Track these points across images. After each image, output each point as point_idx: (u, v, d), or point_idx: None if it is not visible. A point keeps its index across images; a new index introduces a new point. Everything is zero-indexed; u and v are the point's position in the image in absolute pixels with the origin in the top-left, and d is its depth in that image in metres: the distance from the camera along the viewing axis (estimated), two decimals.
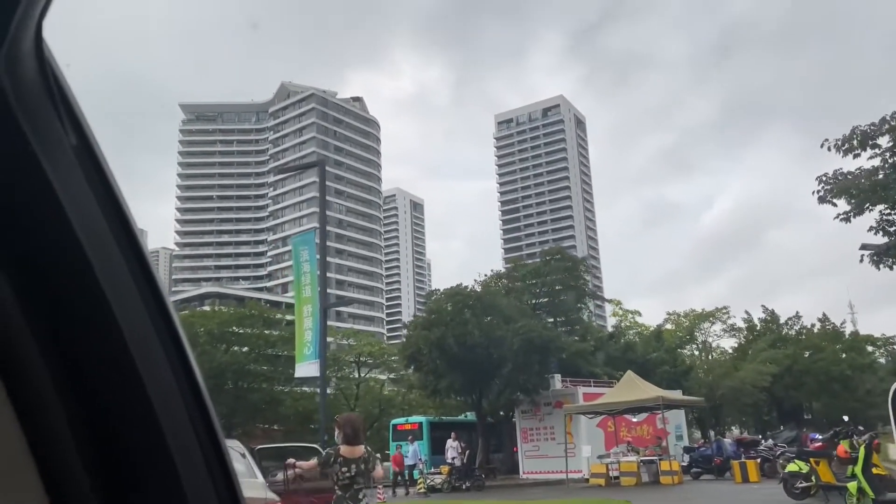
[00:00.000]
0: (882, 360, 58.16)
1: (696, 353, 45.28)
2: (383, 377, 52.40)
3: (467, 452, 26.11)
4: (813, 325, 50.99)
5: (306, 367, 19.25)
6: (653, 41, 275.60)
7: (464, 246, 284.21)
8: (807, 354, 46.55)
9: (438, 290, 30.00)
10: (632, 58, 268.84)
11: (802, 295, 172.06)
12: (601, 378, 32.54)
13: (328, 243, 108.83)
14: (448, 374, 26.70)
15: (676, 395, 27.17)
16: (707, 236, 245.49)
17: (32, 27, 0.70)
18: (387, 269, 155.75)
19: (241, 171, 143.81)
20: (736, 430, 51.56)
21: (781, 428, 29.85)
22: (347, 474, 6.21)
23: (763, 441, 26.39)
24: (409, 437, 30.18)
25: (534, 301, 33.65)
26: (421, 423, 33.98)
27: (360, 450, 6.37)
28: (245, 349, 43.11)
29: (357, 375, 50.04)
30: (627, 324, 41.68)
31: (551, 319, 31.62)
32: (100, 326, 0.75)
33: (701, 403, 26.95)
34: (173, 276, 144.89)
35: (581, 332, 32.65)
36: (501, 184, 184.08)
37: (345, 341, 53.52)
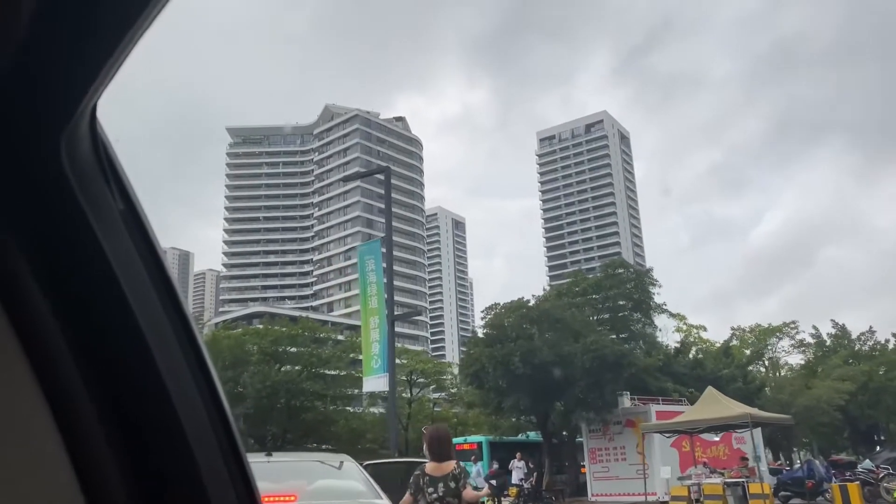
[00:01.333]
0: None
1: (764, 369, 43.25)
2: (435, 395, 51.44)
3: (535, 474, 24.93)
4: (887, 341, 48.45)
5: (374, 381, 18.41)
6: (701, 60, 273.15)
7: (506, 265, 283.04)
8: (882, 371, 44.07)
9: (498, 303, 28.93)
10: (680, 76, 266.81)
11: (859, 313, 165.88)
12: (669, 395, 31.05)
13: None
14: (513, 392, 25.59)
15: (761, 412, 25.54)
16: (757, 253, 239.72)
17: (90, 109, 0.82)
18: (430, 287, 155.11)
19: (286, 193, 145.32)
20: (804, 453, 49.14)
21: (878, 449, 27.86)
22: (434, 495, 5.32)
23: (860, 462, 24.56)
24: (472, 458, 29.13)
25: (595, 316, 32.34)
26: (480, 443, 32.86)
27: (450, 466, 5.48)
28: (297, 367, 42.55)
29: (409, 394, 49.12)
30: (692, 339, 40.05)
31: (614, 335, 30.26)
32: (140, 366, 0.88)
33: (789, 422, 25.31)
34: (220, 297, 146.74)
35: (647, 347, 31.16)
36: (544, 201, 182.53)
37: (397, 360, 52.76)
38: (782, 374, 44.50)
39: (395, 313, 18.12)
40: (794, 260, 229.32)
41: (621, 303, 33.65)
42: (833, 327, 47.69)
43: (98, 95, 0.80)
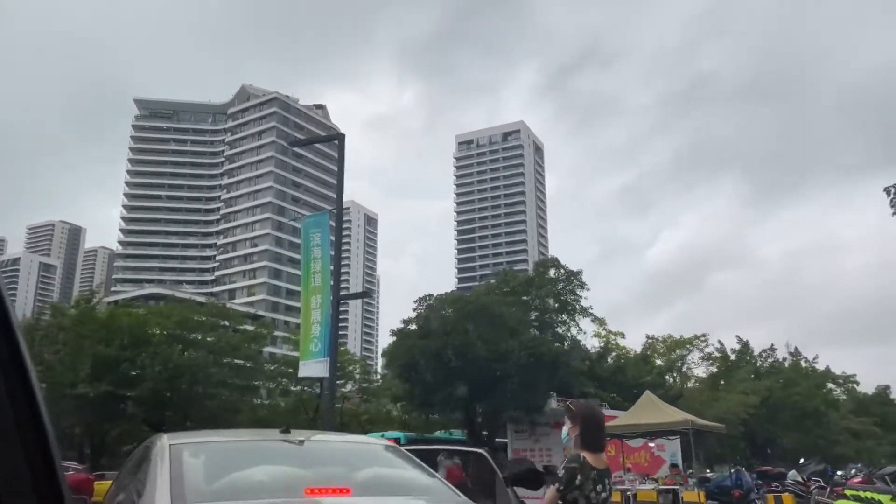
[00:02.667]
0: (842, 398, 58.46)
1: (672, 379, 44.22)
2: (345, 389, 49.78)
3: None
4: (784, 359, 50.73)
5: (312, 366, 16.86)
6: (622, 86, 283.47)
7: (415, 265, 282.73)
8: (780, 385, 45.98)
9: (432, 295, 27.84)
10: (600, 99, 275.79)
11: (741, 333, 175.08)
12: (591, 399, 30.95)
13: (281, 251, 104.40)
14: (444, 386, 24.57)
15: (699, 420, 25.52)
16: (653, 273, 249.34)
17: None
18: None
19: (193, 172, 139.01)
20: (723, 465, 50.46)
21: (802, 461, 28.55)
22: (604, 494, 4.03)
23: (788, 473, 24.95)
24: None
25: (524, 315, 31.82)
26: (398, 440, 31.66)
27: (605, 458, 4.24)
28: (204, 352, 39.93)
29: (320, 385, 47.24)
30: (610, 346, 40.32)
31: (539, 335, 29.82)
32: None
33: (723, 430, 25.49)
34: (113, 276, 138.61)
35: (573, 350, 30.92)
36: (458, 203, 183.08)
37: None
38: (690, 385, 45.65)
39: (342, 294, 16.74)
40: (685, 281, 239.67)
41: (549, 302, 33.33)
42: (738, 343, 49.52)
43: None
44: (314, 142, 19.88)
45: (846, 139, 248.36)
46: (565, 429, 4.35)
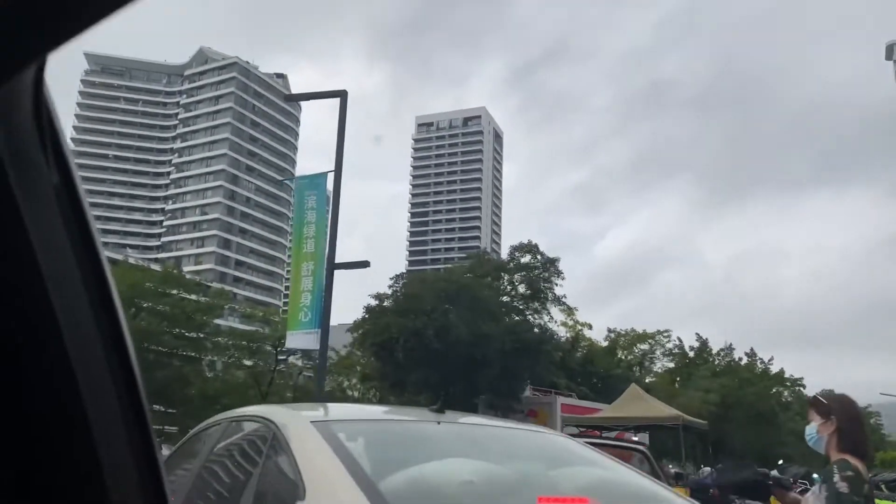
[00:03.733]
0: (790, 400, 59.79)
1: (639, 373, 44.22)
2: (300, 362, 48.27)
3: None
4: (740, 359, 51.38)
5: (301, 337, 15.66)
6: (586, 85, 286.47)
7: (365, 245, 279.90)
8: (736, 384, 46.47)
9: (405, 272, 26.72)
10: (564, 96, 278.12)
11: (682, 334, 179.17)
12: (561, 390, 30.39)
13: (233, 220, 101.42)
14: (421, 368, 23.57)
15: (686, 416, 25.05)
16: (600, 269, 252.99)
17: (33, 69, 0.72)
18: (288, 255, 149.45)
19: (143, 133, 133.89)
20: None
21: (781, 462, 28.54)
22: None
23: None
24: None
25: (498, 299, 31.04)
26: None
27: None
28: (157, 319, 38.00)
29: (276, 358, 45.63)
30: (578, 336, 39.91)
31: (519, 320, 29.08)
32: (50, 365, 0.74)
33: (705, 427, 25.18)
34: None
35: (545, 338, 30.29)
36: (414, 185, 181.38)
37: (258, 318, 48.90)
38: (648, 380, 45.71)
39: (337, 262, 15.55)
40: (631, 278, 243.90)
41: (520, 289, 32.62)
42: (696, 340, 49.88)
43: (49, 51, 0.68)
44: (314, 97, 18.57)
45: (791, 155, 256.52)
46: (813, 426, 3.41)
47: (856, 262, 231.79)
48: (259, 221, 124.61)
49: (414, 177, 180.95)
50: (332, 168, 16.22)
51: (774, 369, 50.79)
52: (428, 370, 23.51)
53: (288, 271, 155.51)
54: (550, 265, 31.75)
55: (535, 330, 25.68)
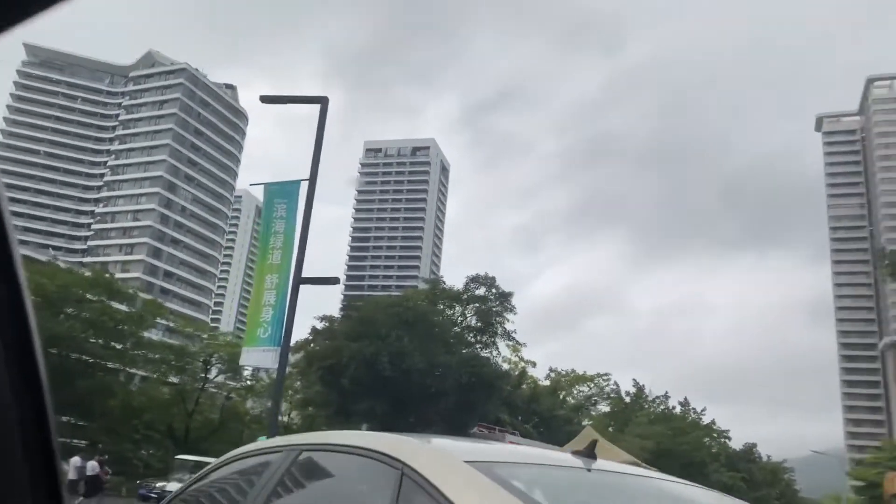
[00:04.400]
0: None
1: (578, 415, 43.94)
2: (233, 383, 46.17)
3: None
4: (674, 408, 51.78)
5: (258, 355, 14.50)
6: (534, 131, 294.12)
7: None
8: (671, 433, 46.67)
9: (362, 296, 25.70)
10: (512, 139, 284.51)
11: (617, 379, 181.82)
12: (504, 427, 29.71)
13: (166, 229, 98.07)
14: (370, 396, 22.46)
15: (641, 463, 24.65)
16: (535, 309, 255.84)
17: None
18: (220, 269, 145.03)
19: (79, 132, 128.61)
20: None
21: None
22: None
23: None
24: None
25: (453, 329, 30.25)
26: None
27: None
28: (82, 325, 35.53)
29: (204, 376, 43.41)
30: (523, 374, 39.36)
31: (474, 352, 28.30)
32: None
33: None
34: None
35: (501, 374, 29.58)
36: (357, 210, 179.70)
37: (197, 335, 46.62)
38: (586, 423, 45.51)
39: (304, 276, 14.54)
40: (561, 322, 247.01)
41: (473, 321, 31.95)
42: (633, 386, 50.07)
43: None
44: (293, 100, 17.67)
45: (722, 217, 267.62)
46: None
47: (778, 321, 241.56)
48: (193, 233, 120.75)
49: (358, 201, 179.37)
50: (288, 176, 15.30)
51: (706, 420, 51.41)
52: (377, 399, 22.42)
53: (219, 286, 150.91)
54: (504, 299, 31.21)
55: (492, 364, 24.95)
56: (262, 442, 3.18)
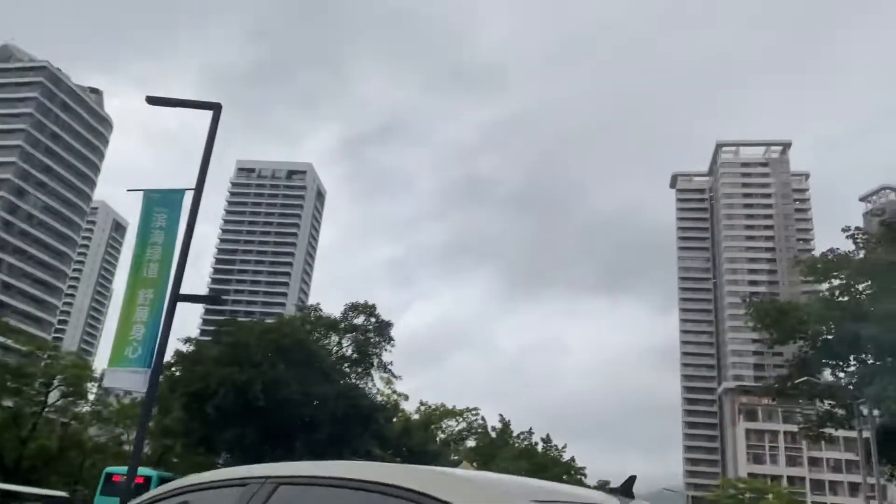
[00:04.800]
0: None
1: (450, 448, 43.70)
2: (78, 408, 42.20)
3: None
4: (536, 444, 52.80)
5: (126, 376, 13.11)
6: (413, 167, 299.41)
7: None
8: (533, 468, 47.40)
9: (236, 318, 24.34)
10: (391, 174, 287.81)
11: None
12: (377, 461, 29.04)
13: (10, 238, 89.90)
14: (237, 425, 21.10)
15: None
16: (402, 344, 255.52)
17: None
18: (68, 284, 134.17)
19: None
20: None
21: None
22: None
23: None
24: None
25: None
26: (149, 478, 26.85)
27: None
28: None
29: (43, 400, 39.37)
30: (394, 405, 38.65)
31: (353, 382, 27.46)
32: None
33: None
34: None
35: (379, 406, 28.80)
36: (224, 230, 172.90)
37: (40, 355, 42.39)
38: (454, 458, 45.38)
39: (182, 293, 13.41)
40: (428, 356, 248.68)
41: (349, 351, 31.15)
42: (500, 421, 50.66)
43: None
44: (184, 104, 16.27)
45: (579, 263, 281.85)
46: None
47: (634, 364, 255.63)
48: (40, 243, 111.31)
49: (226, 221, 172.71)
50: (181, 185, 14.26)
51: (567, 456, 52.78)
52: (245, 428, 21.10)
53: (65, 302, 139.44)
54: (384, 329, 30.68)
55: (370, 396, 24.24)
56: (219, 472, 2.61)
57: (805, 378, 18.85)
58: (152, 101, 14.62)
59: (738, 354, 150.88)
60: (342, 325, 30.51)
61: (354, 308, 30.40)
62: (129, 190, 14.54)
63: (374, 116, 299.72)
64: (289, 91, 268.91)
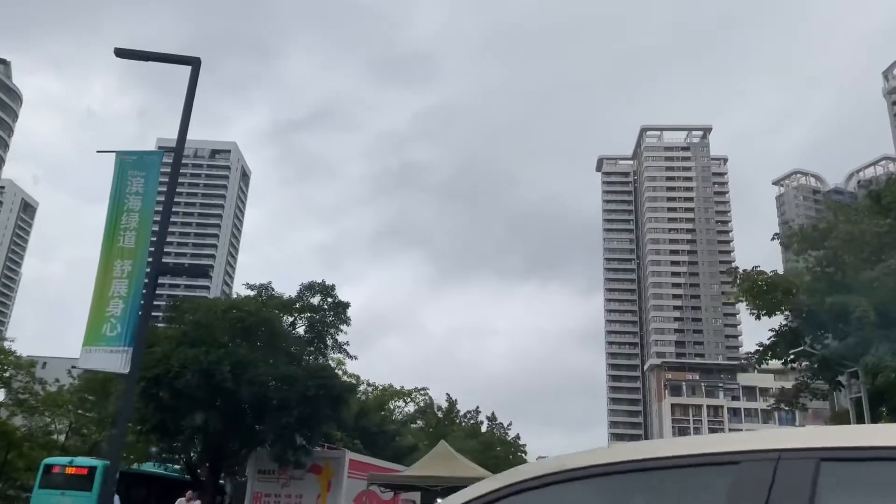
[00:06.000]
0: None
1: (407, 428, 43.10)
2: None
3: None
4: (482, 423, 52.84)
5: (101, 356, 11.78)
6: (344, 154, 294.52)
7: (65, 272, 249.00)
8: (481, 448, 47.39)
9: (205, 297, 22.85)
10: (321, 160, 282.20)
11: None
12: (334, 443, 28.09)
13: None
14: (202, 409, 19.81)
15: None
16: None
17: None
18: None
19: None
20: None
21: None
22: None
23: None
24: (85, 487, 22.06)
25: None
26: (93, 469, 25.14)
27: None
28: None
29: None
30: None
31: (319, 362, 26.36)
32: None
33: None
34: None
35: (352, 387, 27.74)
36: None
37: None
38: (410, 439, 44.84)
39: (164, 263, 12.19)
40: (359, 338, 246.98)
41: (301, 331, 29.95)
42: (447, 401, 50.39)
43: None
44: (155, 58, 14.64)
45: (509, 249, 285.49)
46: None
47: (564, 343, 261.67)
48: None
49: None
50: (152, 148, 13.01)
51: (511, 434, 53.05)
52: (209, 413, 19.82)
53: None
54: (341, 309, 29.57)
55: (342, 377, 23.22)
56: (640, 446, 1.78)
57: (801, 349, 19.15)
58: (121, 53, 13.17)
59: (660, 332, 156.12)
60: (297, 304, 29.19)
61: (310, 288, 29.09)
62: (98, 151, 13.06)
63: (305, 103, 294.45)
64: (215, 76, 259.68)
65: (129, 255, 12.38)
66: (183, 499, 19.44)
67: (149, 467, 27.76)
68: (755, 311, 20.01)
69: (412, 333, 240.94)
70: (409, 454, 34.38)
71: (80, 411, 41.58)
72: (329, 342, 30.15)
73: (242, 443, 22.21)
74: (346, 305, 29.46)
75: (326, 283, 28.82)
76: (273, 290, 30.00)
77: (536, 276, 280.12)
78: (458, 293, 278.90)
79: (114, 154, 12.92)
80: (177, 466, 28.83)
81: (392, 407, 44.03)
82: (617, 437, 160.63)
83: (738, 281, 20.15)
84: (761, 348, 20.97)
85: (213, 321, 20.42)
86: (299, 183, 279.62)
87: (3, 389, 39.61)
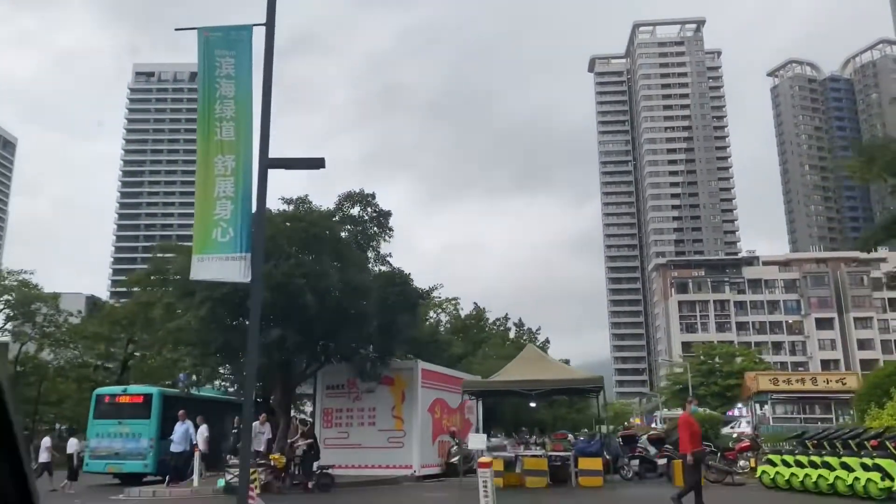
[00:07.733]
0: None
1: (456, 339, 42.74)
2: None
3: (310, 443, 18.36)
4: (509, 329, 52.38)
5: (217, 265, 10.27)
6: (328, 80, 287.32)
7: (56, 209, 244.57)
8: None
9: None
10: (305, 87, 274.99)
11: None
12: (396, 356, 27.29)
13: None
14: (279, 325, 18.55)
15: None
16: None
17: None
18: None
19: None
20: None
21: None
22: None
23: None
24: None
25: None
26: (149, 396, 24.21)
27: None
28: None
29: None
30: None
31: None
32: None
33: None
34: None
35: (425, 294, 26.60)
36: (128, 141, 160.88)
37: None
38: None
39: (272, 157, 10.53)
40: None
41: (345, 238, 28.50)
42: (474, 309, 49.62)
43: None
44: None
45: (498, 165, 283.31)
46: None
47: (557, 254, 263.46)
48: None
49: (128, 131, 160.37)
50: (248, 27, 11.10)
51: (541, 339, 52.64)
52: (286, 330, 18.55)
53: None
54: (383, 219, 27.90)
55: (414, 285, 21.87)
56: None
57: None
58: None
59: (659, 233, 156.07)
60: (336, 216, 27.48)
61: (349, 198, 27.28)
62: (177, 29, 11.13)
63: (287, 28, 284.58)
64: (196, 7, 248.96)
65: (231, 148, 10.65)
66: (257, 422, 18.47)
67: (206, 392, 26.91)
68: (882, 184, 18.68)
69: (406, 253, 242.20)
70: (458, 363, 33.72)
71: (104, 344, 40.17)
72: (371, 255, 28.70)
73: (310, 359, 21.12)
74: (388, 214, 27.83)
75: (365, 191, 27.07)
76: (311, 202, 28.29)
77: (532, 189, 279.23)
78: (451, 209, 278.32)
79: (195, 32, 10.98)
80: (231, 389, 27.92)
81: (432, 316, 43.28)
82: (619, 338, 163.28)
83: (859, 151, 18.65)
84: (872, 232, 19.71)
85: (275, 233, 18.87)
86: (284, 109, 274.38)
87: (28, 324, 38.31)
